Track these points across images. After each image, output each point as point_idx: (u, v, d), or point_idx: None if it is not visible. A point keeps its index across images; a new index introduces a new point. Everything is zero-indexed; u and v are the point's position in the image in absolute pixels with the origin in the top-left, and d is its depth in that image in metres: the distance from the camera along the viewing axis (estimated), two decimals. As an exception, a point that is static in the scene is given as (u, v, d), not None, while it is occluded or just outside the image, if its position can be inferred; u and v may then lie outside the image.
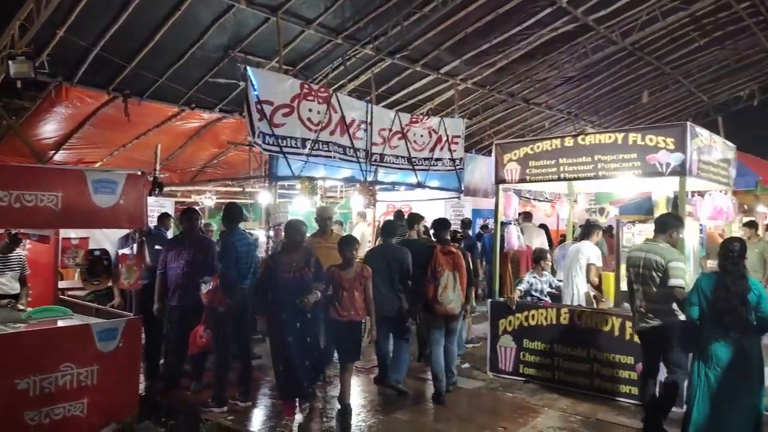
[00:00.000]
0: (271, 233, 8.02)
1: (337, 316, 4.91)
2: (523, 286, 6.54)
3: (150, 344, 5.95)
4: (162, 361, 6.11)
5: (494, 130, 15.68)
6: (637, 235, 6.36)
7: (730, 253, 4.04)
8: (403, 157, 10.06)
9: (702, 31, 13.04)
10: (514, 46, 11.35)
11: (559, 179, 6.23)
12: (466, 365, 6.87)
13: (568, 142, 6.08)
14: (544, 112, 15.87)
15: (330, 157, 8.59)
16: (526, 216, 10.09)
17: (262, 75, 8.05)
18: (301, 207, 9.31)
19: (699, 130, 5.67)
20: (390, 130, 9.74)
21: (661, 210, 6.94)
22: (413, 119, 10.37)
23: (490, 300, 6.69)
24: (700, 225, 8.01)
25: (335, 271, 4.94)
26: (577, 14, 10.45)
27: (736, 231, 8.68)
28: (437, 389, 5.48)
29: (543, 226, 10.39)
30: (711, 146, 5.94)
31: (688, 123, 5.46)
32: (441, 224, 5.86)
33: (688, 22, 12.21)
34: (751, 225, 8.95)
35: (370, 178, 9.50)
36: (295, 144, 8.08)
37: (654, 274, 4.60)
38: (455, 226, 9.72)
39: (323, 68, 10.42)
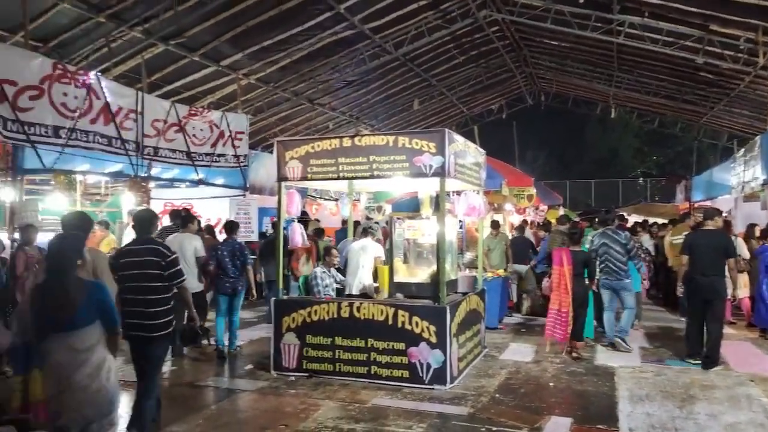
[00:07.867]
0: (16, 235, 6.83)
1: None
2: (318, 282, 6.89)
3: None
4: None
5: (280, 128, 15.69)
6: (407, 230, 6.89)
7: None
8: (181, 151, 9.44)
9: (461, 49, 14.82)
10: (296, 45, 11.49)
11: (338, 178, 6.41)
12: (250, 366, 6.73)
13: (346, 142, 6.30)
14: (327, 113, 16.40)
15: (90, 148, 7.63)
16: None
17: (2, 50, 6.82)
18: (56, 205, 8.12)
19: (456, 136, 6.37)
20: (165, 121, 9.04)
21: (426, 208, 7.65)
22: (192, 111, 9.79)
23: (273, 299, 6.65)
24: (460, 221, 9.05)
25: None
26: (354, 21, 11.00)
27: (488, 226, 10.01)
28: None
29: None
30: (465, 151, 6.73)
31: (446, 130, 6.06)
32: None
33: (449, 40, 13.76)
34: (495, 225, 10.27)
35: (142, 173, 8.70)
36: (46, 132, 7.01)
37: None
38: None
39: (83, 48, 9.25)
